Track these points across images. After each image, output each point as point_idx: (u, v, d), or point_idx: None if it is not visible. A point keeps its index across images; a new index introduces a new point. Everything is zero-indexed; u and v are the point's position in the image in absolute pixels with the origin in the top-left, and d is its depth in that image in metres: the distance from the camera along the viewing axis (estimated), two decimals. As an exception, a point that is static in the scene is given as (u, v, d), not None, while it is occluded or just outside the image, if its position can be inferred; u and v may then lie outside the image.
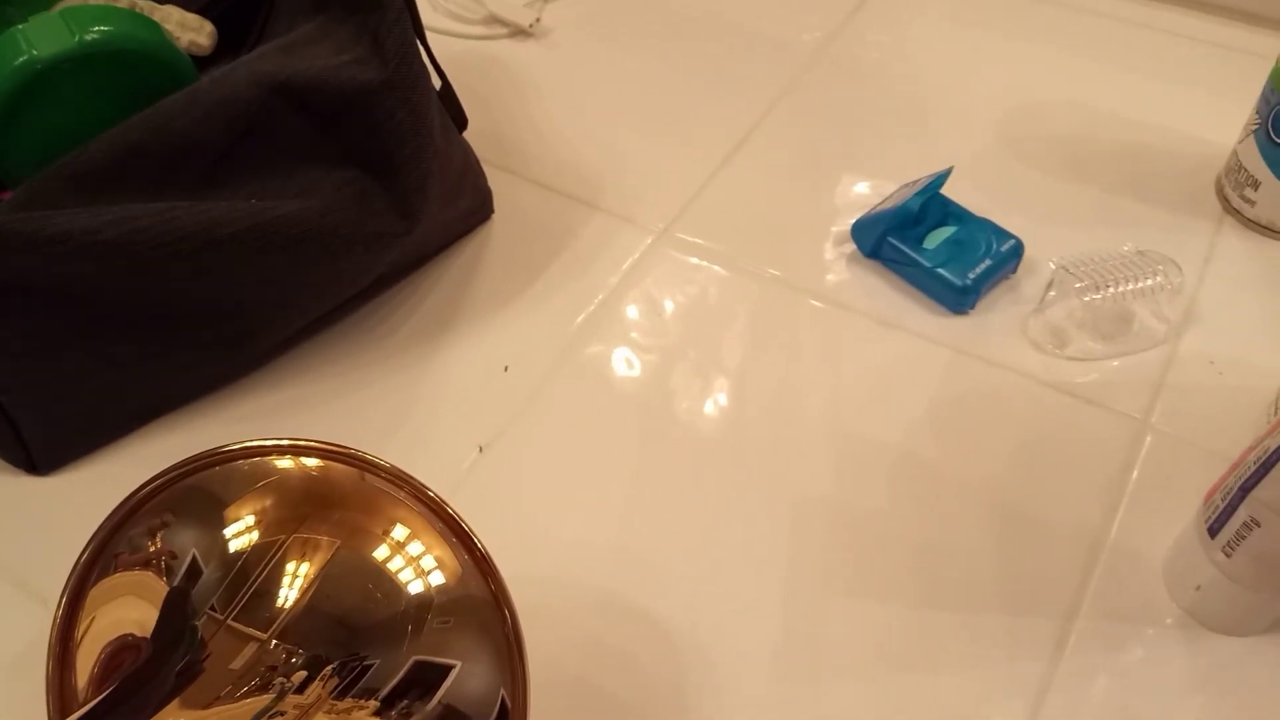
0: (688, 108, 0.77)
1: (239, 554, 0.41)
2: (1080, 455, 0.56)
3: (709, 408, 0.59)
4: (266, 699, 0.39)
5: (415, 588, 0.41)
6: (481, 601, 0.41)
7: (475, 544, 0.42)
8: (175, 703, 0.39)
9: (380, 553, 0.42)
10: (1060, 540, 0.53)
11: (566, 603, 0.52)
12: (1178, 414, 0.58)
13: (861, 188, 0.70)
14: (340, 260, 0.57)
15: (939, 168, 0.67)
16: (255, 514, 0.42)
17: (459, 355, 0.63)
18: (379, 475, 0.42)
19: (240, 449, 0.42)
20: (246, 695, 0.39)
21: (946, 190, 0.65)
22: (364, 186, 0.56)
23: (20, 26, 0.55)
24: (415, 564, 0.42)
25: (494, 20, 0.84)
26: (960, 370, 0.60)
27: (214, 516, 0.42)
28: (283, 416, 0.60)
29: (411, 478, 0.42)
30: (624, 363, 0.62)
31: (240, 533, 0.41)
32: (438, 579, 0.41)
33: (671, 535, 0.54)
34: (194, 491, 0.42)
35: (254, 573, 0.41)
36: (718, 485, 0.56)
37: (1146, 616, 0.50)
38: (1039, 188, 0.70)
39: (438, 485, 0.56)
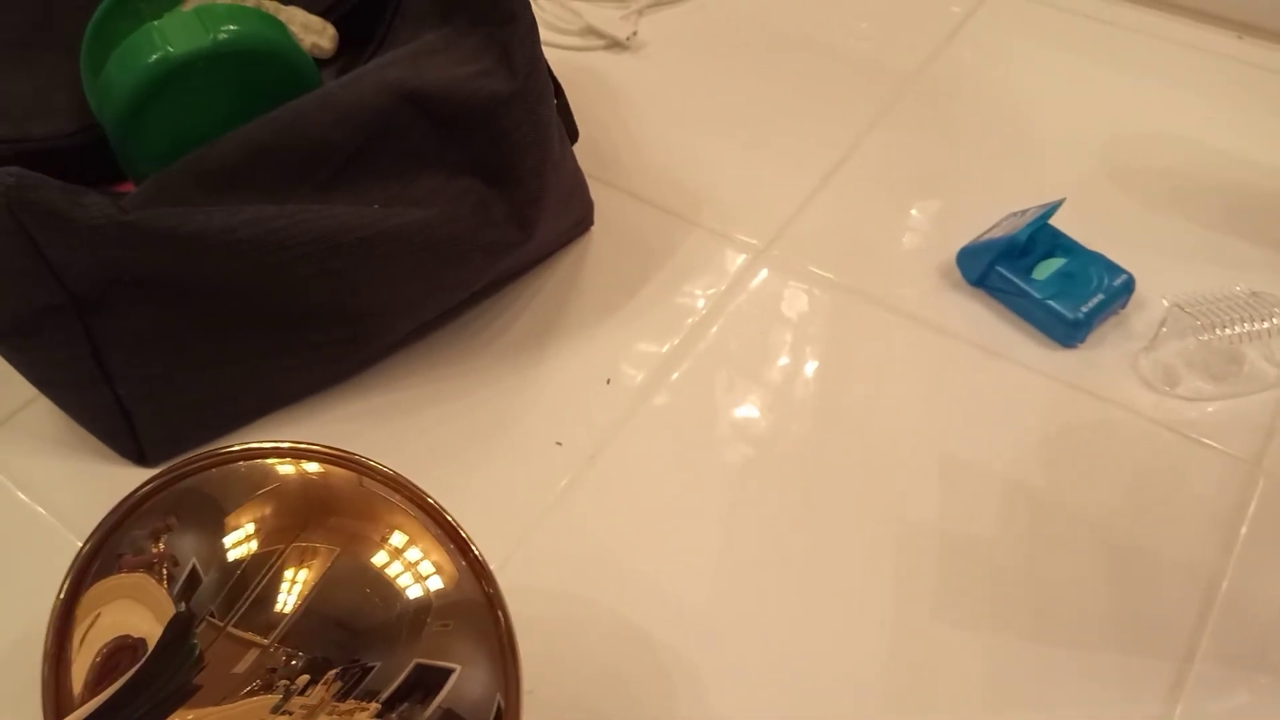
0: (785, 126, 0.77)
1: (239, 562, 0.41)
2: (1193, 496, 0.56)
3: (807, 432, 0.59)
4: (274, 698, 0.39)
5: (414, 592, 0.41)
6: (478, 605, 0.41)
7: (471, 548, 0.42)
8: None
9: (379, 558, 0.42)
10: (1173, 580, 0.53)
11: (661, 628, 0.52)
12: (1290, 458, 0.57)
13: (962, 214, 0.70)
14: (457, 267, 0.57)
15: (1041, 196, 0.67)
16: (255, 521, 0.42)
17: (560, 364, 0.63)
18: (377, 480, 0.42)
19: (240, 450, 0.43)
20: (250, 696, 0.40)
21: (1051, 219, 0.65)
22: (483, 196, 0.57)
23: (155, 23, 0.55)
24: (413, 569, 0.42)
25: (591, 32, 0.84)
26: (1068, 404, 0.59)
27: (215, 523, 0.42)
28: (385, 419, 0.60)
29: (409, 482, 0.42)
30: (721, 381, 0.62)
31: (241, 541, 0.42)
32: (436, 583, 0.42)
33: (769, 559, 0.54)
34: (195, 495, 0.42)
35: (254, 581, 0.41)
36: (817, 510, 0.56)
37: (1264, 662, 0.50)
38: (1144, 221, 0.69)
39: (536, 494, 0.57)
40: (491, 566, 0.53)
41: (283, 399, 0.60)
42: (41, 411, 0.61)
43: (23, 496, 0.58)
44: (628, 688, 0.50)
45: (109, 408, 0.56)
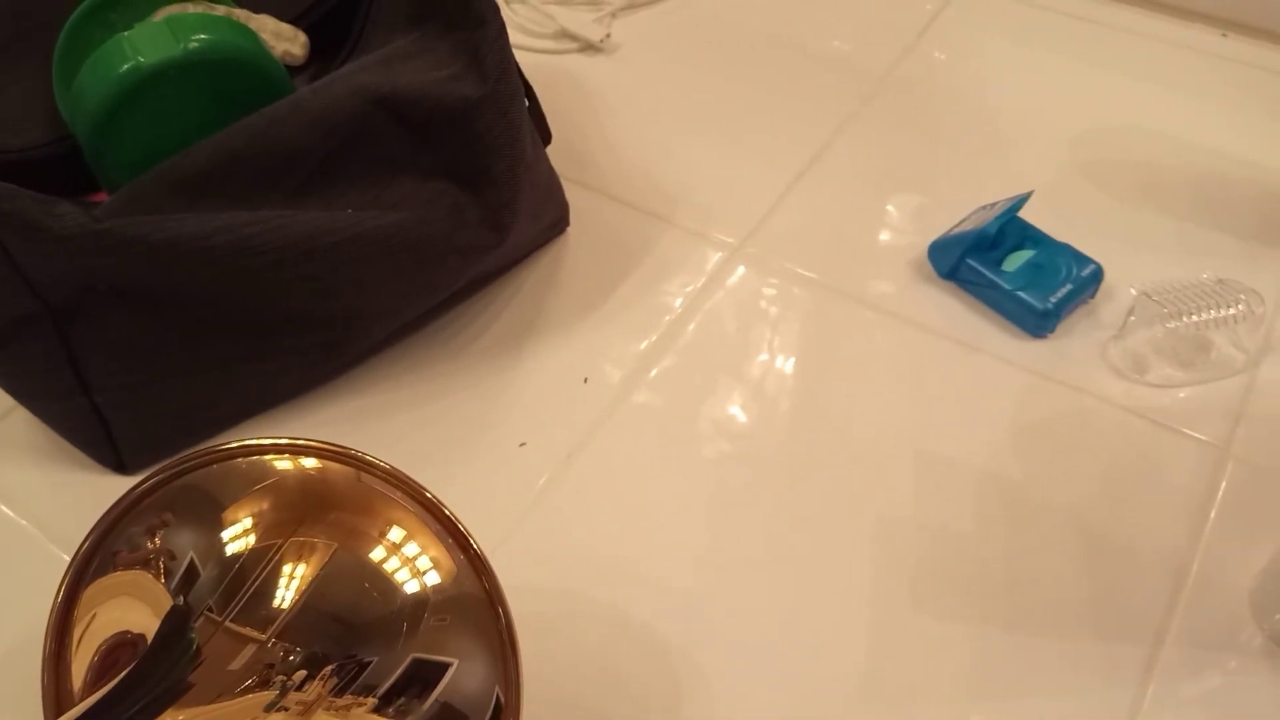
0: (758, 125, 0.78)
1: (236, 556, 0.41)
2: (1163, 481, 0.56)
3: (784, 427, 0.60)
4: (270, 694, 0.40)
5: (411, 587, 0.42)
6: (477, 600, 0.41)
7: (470, 543, 0.42)
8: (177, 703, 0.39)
9: (377, 554, 0.42)
10: (1145, 565, 0.53)
11: (642, 625, 0.53)
12: (1258, 442, 0.58)
13: (934, 209, 0.71)
14: (433, 271, 0.57)
15: (1012, 190, 0.68)
16: (253, 516, 0.42)
17: (538, 365, 0.63)
18: (375, 475, 0.43)
19: (238, 447, 0.43)
20: (247, 692, 0.40)
21: (1021, 212, 0.65)
22: (457, 199, 0.57)
23: (126, 34, 0.55)
24: (411, 564, 0.42)
25: (564, 35, 0.85)
26: (1040, 394, 0.60)
27: (213, 518, 0.42)
28: (364, 422, 0.61)
29: (408, 477, 0.42)
30: (699, 378, 0.62)
31: (238, 535, 0.42)
32: (434, 578, 0.42)
33: (750, 554, 0.55)
34: (193, 491, 0.42)
35: (252, 575, 0.41)
36: (797, 505, 0.56)
37: (1233, 643, 0.51)
38: (1113, 213, 0.70)
39: (516, 493, 0.57)
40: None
41: (261, 405, 0.60)
42: (20, 422, 0.61)
43: (3, 507, 0.58)
44: (609, 681, 0.50)
45: (86, 416, 0.56)
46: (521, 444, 0.59)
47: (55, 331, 0.53)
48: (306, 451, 0.43)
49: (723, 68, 0.83)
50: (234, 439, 0.58)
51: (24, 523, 0.57)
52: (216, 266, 0.51)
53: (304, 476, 0.43)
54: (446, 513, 0.42)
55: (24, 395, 0.57)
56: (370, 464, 0.42)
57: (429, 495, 0.42)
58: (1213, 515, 0.55)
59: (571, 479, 0.58)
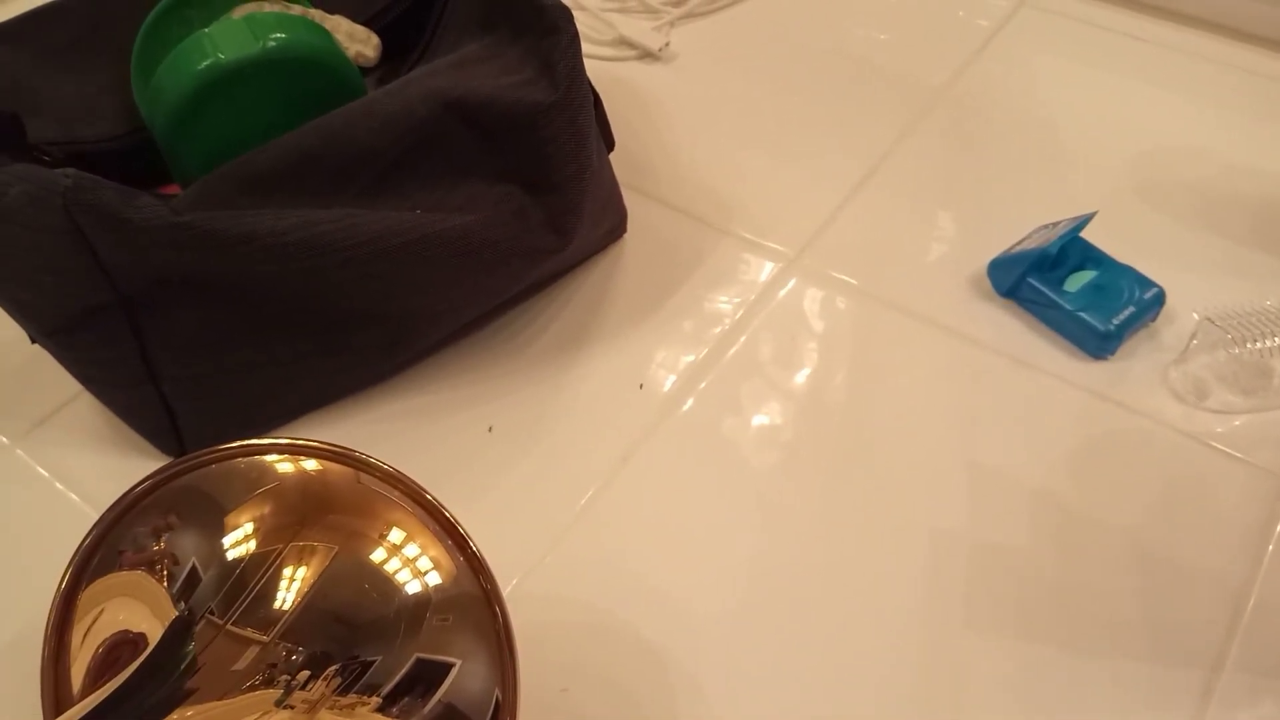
0: (815, 137, 0.78)
1: (238, 561, 0.42)
2: (1221, 507, 0.56)
3: (835, 441, 0.60)
4: (276, 692, 0.40)
5: (413, 587, 0.42)
6: (475, 600, 0.42)
7: (469, 544, 0.42)
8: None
9: (377, 555, 0.42)
10: (1202, 590, 0.53)
11: (684, 640, 0.53)
12: (1320, 472, 0.57)
13: (991, 226, 0.71)
14: (496, 273, 0.58)
15: (1069, 210, 0.68)
16: (254, 520, 0.43)
17: (593, 369, 0.64)
18: (375, 475, 0.43)
19: (238, 448, 0.43)
20: (252, 690, 0.40)
21: (1081, 233, 0.65)
22: (522, 203, 0.58)
23: (206, 30, 0.57)
24: (412, 564, 0.42)
25: (623, 42, 0.85)
26: (1098, 415, 0.60)
27: (215, 522, 0.42)
28: (420, 420, 0.61)
29: (407, 478, 0.43)
30: (750, 389, 0.63)
31: (240, 541, 0.42)
32: (434, 579, 0.42)
33: (796, 566, 0.55)
34: (195, 493, 0.43)
35: (254, 579, 0.42)
36: (845, 519, 0.56)
37: (1293, 674, 0.50)
38: (1173, 235, 0.70)
39: (565, 497, 0.57)
40: (522, 570, 0.54)
41: (322, 400, 0.61)
42: (84, 408, 0.62)
43: (66, 491, 0.59)
44: (642, 698, 0.51)
45: (153, 405, 0.57)
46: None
47: (127, 321, 0.54)
48: (306, 452, 0.43)
49: (780, 78, 0.83)
50: (288, 436, 0.60)
51: (77, 499, 0.58)
52: (286, 263, 0.52)
53: (304, 478, 0.43)
54: (446, 514, 0.43)
55: (92, 381, 0.58)
56: (369, 464, 0.43)
57: (428, 496, 0.43)
58: (1273, 543, 0.54)
59: (621, 486, 0.58)
